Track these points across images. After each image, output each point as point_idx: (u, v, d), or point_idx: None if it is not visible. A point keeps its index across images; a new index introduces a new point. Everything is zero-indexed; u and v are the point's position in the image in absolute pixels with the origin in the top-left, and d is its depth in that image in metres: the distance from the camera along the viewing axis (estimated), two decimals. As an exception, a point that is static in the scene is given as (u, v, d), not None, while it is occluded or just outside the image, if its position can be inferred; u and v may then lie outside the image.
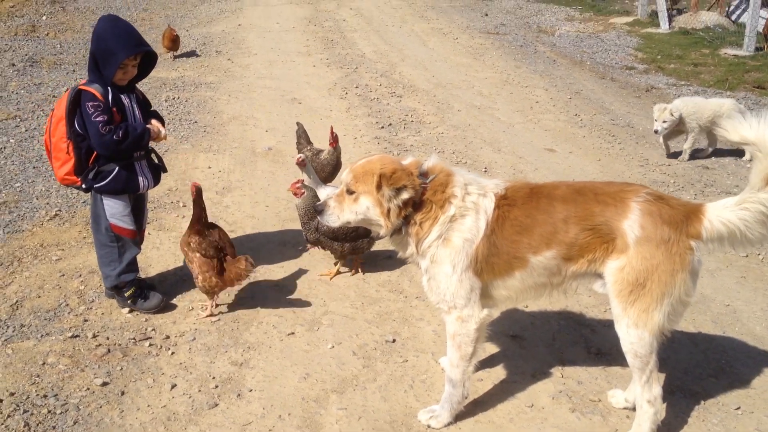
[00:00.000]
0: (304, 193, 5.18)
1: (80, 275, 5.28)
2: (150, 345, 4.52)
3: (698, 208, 3.58)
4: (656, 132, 7.87)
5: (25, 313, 4.80)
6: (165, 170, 5.05)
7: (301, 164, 5.44)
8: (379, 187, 3.49)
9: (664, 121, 7.74)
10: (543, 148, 8.36)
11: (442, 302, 3.68)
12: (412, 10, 17.51)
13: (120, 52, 4.39)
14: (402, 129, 8.85)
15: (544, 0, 19.08)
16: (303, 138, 6.42)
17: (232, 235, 5.38)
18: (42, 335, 4.57)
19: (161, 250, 5.70)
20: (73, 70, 11.12)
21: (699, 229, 3.52)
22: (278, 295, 5.14)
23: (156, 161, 4.95)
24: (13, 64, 11.19)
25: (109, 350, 4.44)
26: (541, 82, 11.28)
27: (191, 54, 12.17)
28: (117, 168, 4.60)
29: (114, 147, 4.45)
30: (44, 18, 14.82)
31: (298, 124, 6.53)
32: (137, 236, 4.92)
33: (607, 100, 10.36)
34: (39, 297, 5.00)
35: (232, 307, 4.97)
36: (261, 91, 10.33)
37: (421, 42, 14.05)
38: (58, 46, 12.70)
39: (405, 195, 3.49)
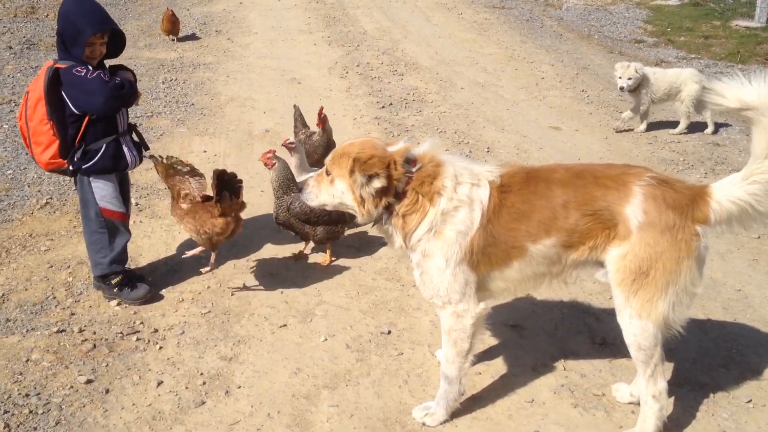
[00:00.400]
0: (275, 164, 4.99)
1: (69, 266, 5.12)
2: (137, 339, 4.36)
3: (704, 191, 3.39)
4: (621, 89, 7.74)
5: (11, 307, 4.65)
6: (146, 148, 4.91)
7: (290, 147, 5.25)
8: (351, 171, 3.32)
9: (629, 78, 7.61)
10: (548, 126, 8.13)
11: (436, 297, 3.50)
12: (417, -15, 17.17)
13: (86, 28, 4.25)
14: (403, 108, 8.63)
15: (551, -28, 18.68)
16: (299, 121, 6.25)
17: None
18: (27, 330, 4.42)
19: (152, 239, 5.54)
20: (71, 53, 10.92)
21: (706, 212, 3.34)
22: (271, 284, 4.97)
23: (137, 138, 4.80)
24: (10, 47, 10.98)
25: (95, 345, 4.29)
26: (547, 58, 11.00)
27: (191, 37, 11.90)
28: (104, 145, 4.47)
29: (119, 94, 4.30)
30: (43, -1, 14.61)
31: (295, 107, 6.34)
32: (127, 219, 4.78)
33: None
34: (26, 290, 4.84)
35: (224, 298, 4.80)
36: (260, 71, 10.10)
37: (424, 18, 13.76)
38: (57, 27, 12.49)
39: (377, 184, 3.29)
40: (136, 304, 4.70)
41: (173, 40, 11.59)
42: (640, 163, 7.01)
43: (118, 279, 4.70)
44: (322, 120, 5.88)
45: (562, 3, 15.17)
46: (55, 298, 4.76)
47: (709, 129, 7.86)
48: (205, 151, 7.20)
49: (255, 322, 4.56)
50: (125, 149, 4.60)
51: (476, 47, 11.65)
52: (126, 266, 4.81)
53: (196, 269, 5.07)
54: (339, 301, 4.80)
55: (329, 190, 3.48)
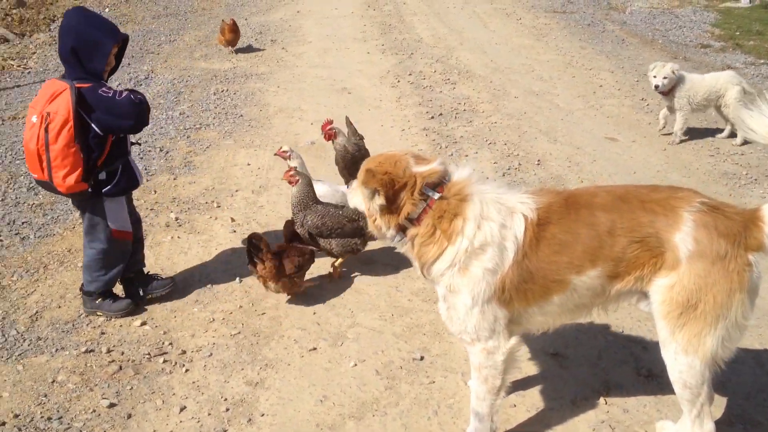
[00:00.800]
0: (298, 180, 4.93)
1: (104, 283, 5.09)
2: (164, 361, 4.27)
3: (756, 215, 3.11)
4: (656, 88, 7.45)
5: (43, 325, 4.63)
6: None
7: (283, 156, 5.26)
8: (361, 182, 3.21)
9: (665, 77, 7.34)
10: (603, 137, 7.81)
11: (464, 334, 3.28)
12: (476, -10, 16.91)
13: (106, 40, 4.19)
14: (453, 119, 8.41)
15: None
16: (349, 130, 6.07)
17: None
18: (57, 349, 4.39)
19: (188, 255, 5.46)
20: (128, 63, 10.98)
21: (760, 239, 3.07)
22: (304, 305, 4.83)
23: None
24: (70, 59, 11.19)
25: (120, 367, 4.21)
26: (606, 64, 10.64)
27: (247, 47, 11.87)
28: (121, 166, 4.44)
29: (147, 114, 4.34)
30: (107, 10, 14.82)
31: (346, 118, 6.16)
32: (132, 237, 4.72)
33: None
34: (59, 307, 4.82)
35: (255, 318, 4.69)
36: (311, 80, 10.03)
37: (482, 24, 13.51)
38: (117, 38, 12.67)
39: (378, 201, 3.14)
40: (118, 316, 4.67)
41: (231, 51, 11.56)
42: (700, 176, 6.68)
43: (99, 292, 4.68)
44: (328, 135, 5.71)
45: (626, 6, 14.72)
46: (86, 316, 4.71)
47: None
48: (248, 164, 7.12)
49: (284, 344, 4.42)
50: (134, 168, 4.58)
51: (533, 54, 11.35)
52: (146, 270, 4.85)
53: (229, 287, 4.99)
54: (372, 323, 4.62)
55: (355, 194, 3.39)
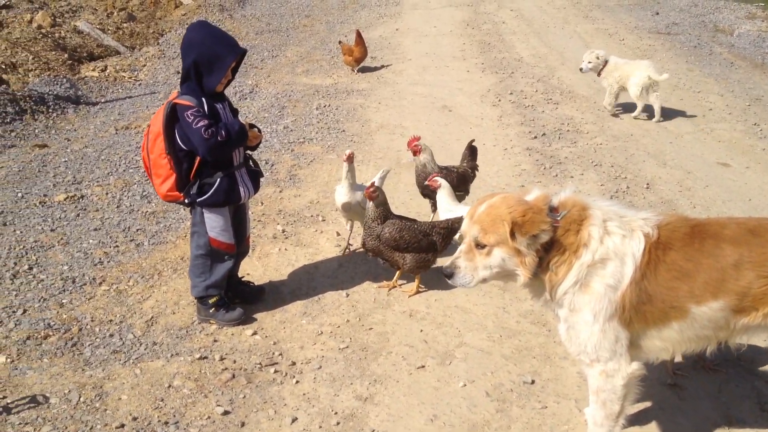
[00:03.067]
0: (377, 196, 4.96)
1: (215, 291, 5.21)
2: (275, 372, 4.33)
3: None
4: (581, 70, 9.30)
5: (158, 330, 4.76)
6: (262, 175, 4.95)
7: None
8: (512, 235, 3.02)
9: (589, 62, 9.12)
10: (715, 162, 7.54)
11: (583, 354, 3.21)
12: (577, 10, 16.67)
13: (228, 55, 4.30)
14: (556, 139, 8.29)
15: (722, -5, 17.64)
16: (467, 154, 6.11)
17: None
18: (172, 355, 4.51)
19: (296, 267, 5.53)
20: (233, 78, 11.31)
21: None
22: (410, 322, 4.82)
23: (253, 167, 4.83)
24: (178, 72, 11.58)
25: (233, 375, 4.29)
26: (715, 87, 10.30)
27: (369, 69, 11.98)
28: (219, 179, 4.51)
29: (220, 149, 4.32)
30: (212, 26, 15.32)
31: (471, 143, 6.18)
32: (234, 249, 4.79)
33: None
34: (174, 313, 4.96)
35: (362, 333, 4.70)
36: (412, 98, 10.08)
37: (583, 44, 13.29)
38: (221, 53, 13.02)
39: (544, 238, 3.03)
40: (231, 325, 4.76)
41: (354, 70, 11.62)
42: (822, 206, 6.36)
43: (214, 299, 4.78)
44: (414, 149, 5.76)
45: (734, 29, 14.23)
46: (200, 323, 4.83)
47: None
48: (352, 179, 7.18)
49: (392, 361, 4.42)
50: (239, 182, 4.62)
51: (637, 75, 11.08)
52: (222, 291, 4.85)
53: (337, 300, 5.04)
54: (480, 343, 4.58)
55: (486, 262, 3.14)
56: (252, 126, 4.60)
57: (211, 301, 4.77)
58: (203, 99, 4.35)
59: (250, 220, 5.06)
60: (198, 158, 4.41)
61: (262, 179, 4.95)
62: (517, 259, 3.07)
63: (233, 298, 5.02)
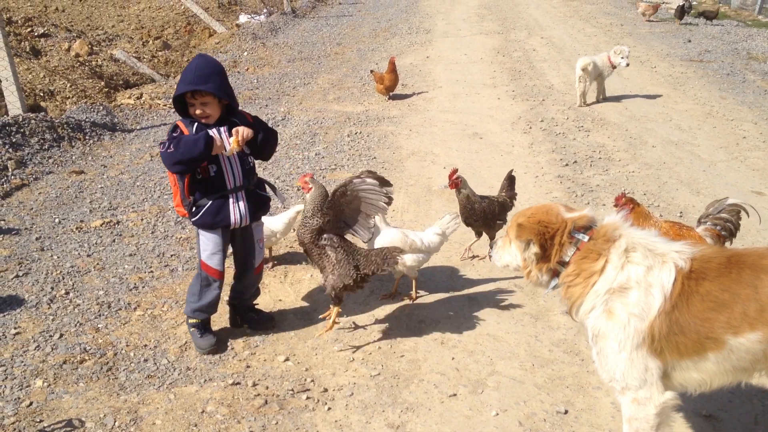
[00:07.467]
0: (311, 188, 4.79)
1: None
2: (307, 398, 4.35)
3: None
4: (627, 66, 11.05)
5: (192, 356, 4.81)
6: (283, 200, 5.08)
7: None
8: (516, 236, 3.33)
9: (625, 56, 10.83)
10: (750, 191, 7.47)
11: (613, 381, 3.20)
12: (608, 38, 16.67)
13: (179, 86, 4.36)
14: (588, 167, 8.28)
15: (756, 24, 17.53)
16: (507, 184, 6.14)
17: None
18: (205, 380, 4.54)
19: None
20: (266, 105, 11.45)
21: None
22: (442, 350, 4.82)
23: (264, 192, 4.85)
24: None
25: (266, 401, 4.31)
26: (749, 115, 10.22)
27: (399, 96, 12.10)
28: (209, 202, 4.57)
29: (170, 161, 4.33)
30: (245, 54, 15.53)
31: (510, 173, 6.23)
32: (222, 277, 4.79)
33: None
34: (207, 338, 5.00)
35: (394, 360, 4.71)
36: (442, 125, 10.13)
37: (614, 72, 13.26)
38: (255, 80, 13.18)
39: (533, 249, 3.24)
40: (202, 352, 4.82)
41: (387, 98, 11.75)
42: None
43: (194, 321, 4.85)
44: (454, 183, 5.76)
45: (767, 57, 14.13)
46: (233, 348, 4.87)
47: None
48: (384, 206, 7.21)
49: (424, 388, 4.42)
50: (231, 206, 4.60)
51: (670, 102, 11.07)
52: (209, 317, 4.91)
53: (368, 327, 5.05)
54: (512, 372, 4.56)
55: (508, 251, 3.47)
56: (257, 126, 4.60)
57: (191, 321, 4.86)
58: (196, 123, 4.47)
59: (262, 249, 5.04)
60: (186, 180, 4.54)
61: (281, 205, 5.01)
62: (522, 260, 3.36)
63: (241, 324, 5.12)
